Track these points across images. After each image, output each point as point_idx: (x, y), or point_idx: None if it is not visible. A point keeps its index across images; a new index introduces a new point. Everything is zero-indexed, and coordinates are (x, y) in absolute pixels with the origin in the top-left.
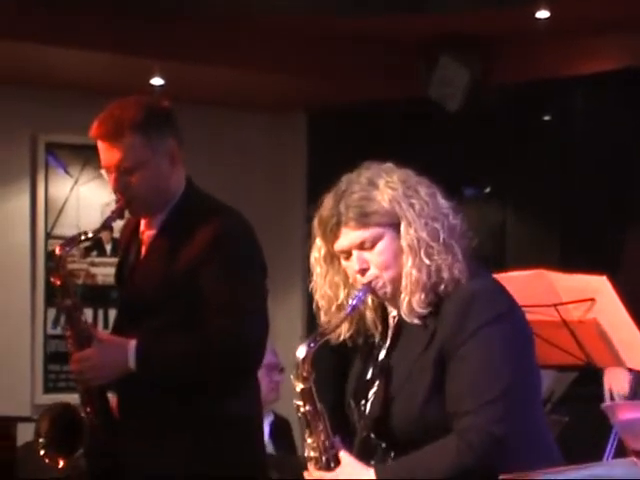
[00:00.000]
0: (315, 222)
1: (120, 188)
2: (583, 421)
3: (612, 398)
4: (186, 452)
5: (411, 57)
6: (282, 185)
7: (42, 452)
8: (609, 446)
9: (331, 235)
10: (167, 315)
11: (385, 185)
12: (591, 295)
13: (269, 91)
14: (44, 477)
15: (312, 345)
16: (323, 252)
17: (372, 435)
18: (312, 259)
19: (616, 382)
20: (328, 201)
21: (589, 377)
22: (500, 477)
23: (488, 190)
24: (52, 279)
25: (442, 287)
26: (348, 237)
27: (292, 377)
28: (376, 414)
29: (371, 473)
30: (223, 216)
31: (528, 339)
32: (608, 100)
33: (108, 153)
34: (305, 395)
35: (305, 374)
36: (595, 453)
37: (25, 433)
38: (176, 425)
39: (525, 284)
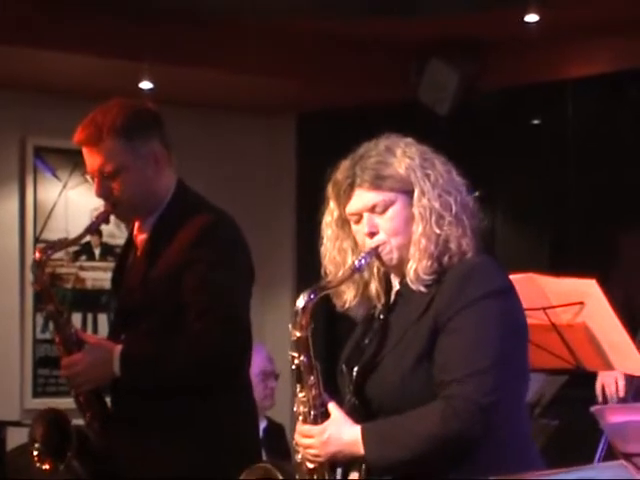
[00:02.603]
0: (329, 185)
1: (103, 193)
2: (573, 424)
3: (605, 399)
4: (179, 452)
5: (401, 60)
6: (272, 187)
7: (36, 456)
8: (599, 449)
9: (344, 196)
10: (156, 319)
11: (402, 154)
12: (580, 299)
13: (259, 93)
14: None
15: (312, 297)
16: (335, 216)
17: (356, 401)
18: (323, 223)
19: (609, 384)
20: (344, 165)
21: (579, 380)
22: (490, 478)
23: (477, 194)
24: (32, 285)
25: (447, 258)
26: (361, 198)
27: (290, 326)
28: (362, 377)
29: (357, 431)
30: (206, 218)
31: (523, 328)
32: (599, 103)
33: (90, 158)
34: (301, 344)
35: (303, 322)
36: (585, 456)
37: (14, 437)
38: (168, 426)
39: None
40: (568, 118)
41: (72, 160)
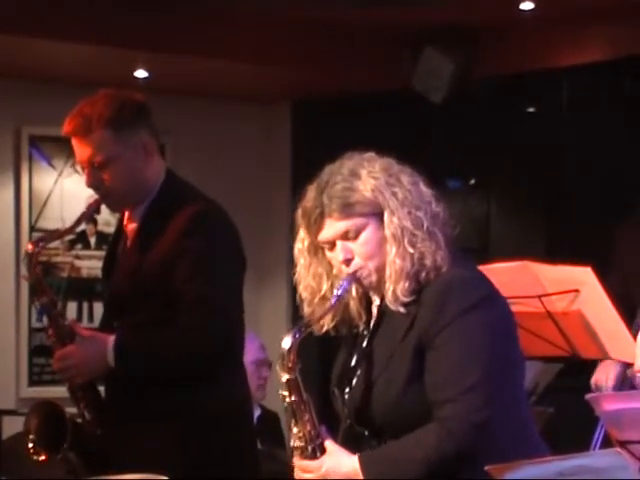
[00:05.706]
0: (298, 213)
1: (94, 184)
2: (569, 412)
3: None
4: (174, 442)
5: (395, 48)
6: (267, 175)
7: (31, 447)
8: (596, 437)
9: (315, 226)
10: (148, 308)
11: (367, 175)
12: (575, 286)
13: (254, 81)
14: (29, 469)
15: (297, 336)
16: (307, 243)
17: (353, 426)
18: (296, 250)
19: (600, 375)
20: (311, 192)
21: (574, 368)
22: (485, 467)
23: (472, 182)
24: (24, 278)
25: (424, 274)
26: (332, 228)
27: (277, 368)
28: (357, 401)
29: (355, 461)
30: (196, 207)
31: (508, 327)
32: (594, 91)
33: (79, 149)
34: (291, 386)
35: (290, 365)
36: (581, 444)
37: (10, 426)
38: (162, 416)
39: (509, 275)
40: (563, 106)
41: (67, 149)
